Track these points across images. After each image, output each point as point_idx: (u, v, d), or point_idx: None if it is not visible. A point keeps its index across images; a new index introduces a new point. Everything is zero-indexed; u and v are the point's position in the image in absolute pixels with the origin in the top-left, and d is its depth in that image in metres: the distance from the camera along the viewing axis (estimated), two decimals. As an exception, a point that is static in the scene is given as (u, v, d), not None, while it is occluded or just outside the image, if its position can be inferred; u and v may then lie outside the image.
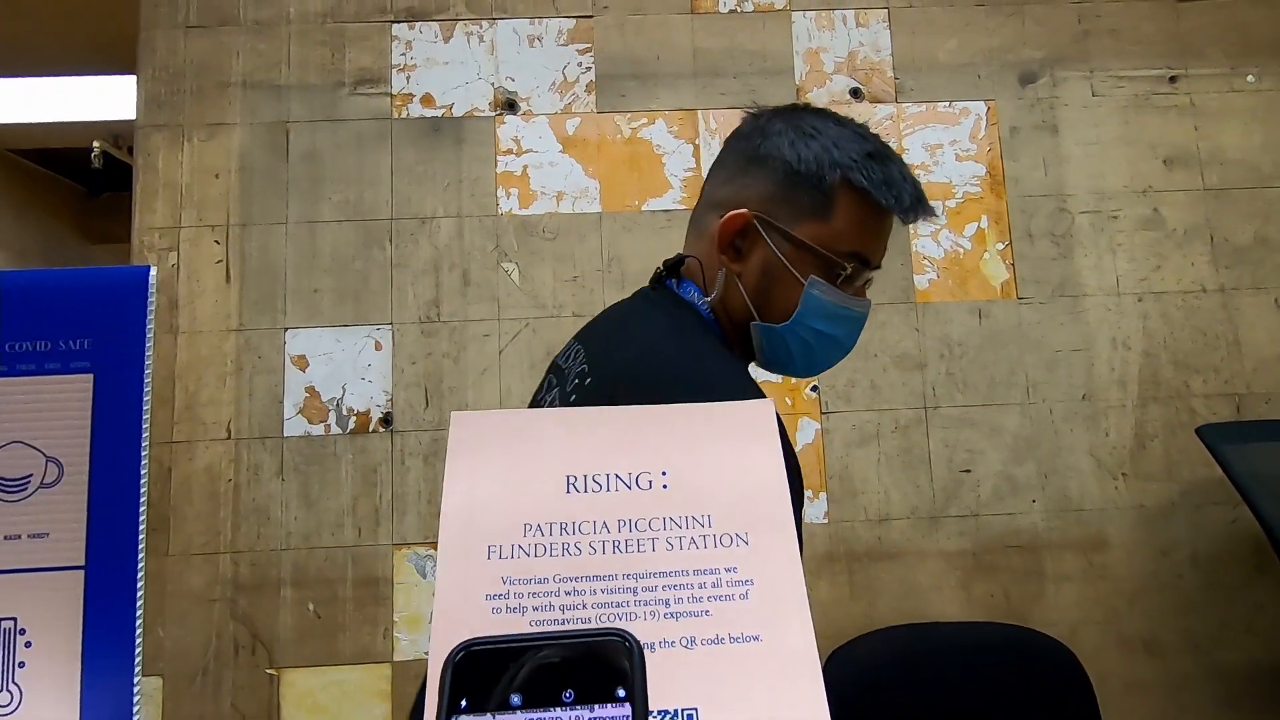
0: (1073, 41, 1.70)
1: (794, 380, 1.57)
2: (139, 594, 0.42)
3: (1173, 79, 1.69)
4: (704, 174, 1.63)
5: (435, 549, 1.52)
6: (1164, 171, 1.67)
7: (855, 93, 1.67)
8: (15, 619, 0.38)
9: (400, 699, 1.47)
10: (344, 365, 1.56)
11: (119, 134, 2.98)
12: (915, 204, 0.74)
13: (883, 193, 0.72)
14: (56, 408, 0.39)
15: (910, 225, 0.78)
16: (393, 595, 1.49)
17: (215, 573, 1.48)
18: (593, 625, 0.54)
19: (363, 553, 1.51)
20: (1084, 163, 1.66)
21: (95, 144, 2.82)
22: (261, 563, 1.49)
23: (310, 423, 1.54)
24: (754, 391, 0.69)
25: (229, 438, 1.52)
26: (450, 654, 0.37)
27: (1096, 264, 1.63)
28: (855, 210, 0.73)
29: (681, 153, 1.64)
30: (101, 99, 2.86)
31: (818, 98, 1.66)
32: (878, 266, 0.77)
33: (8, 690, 0.37)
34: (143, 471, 0.42)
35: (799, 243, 0.73)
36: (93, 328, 0.40)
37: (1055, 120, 1.67)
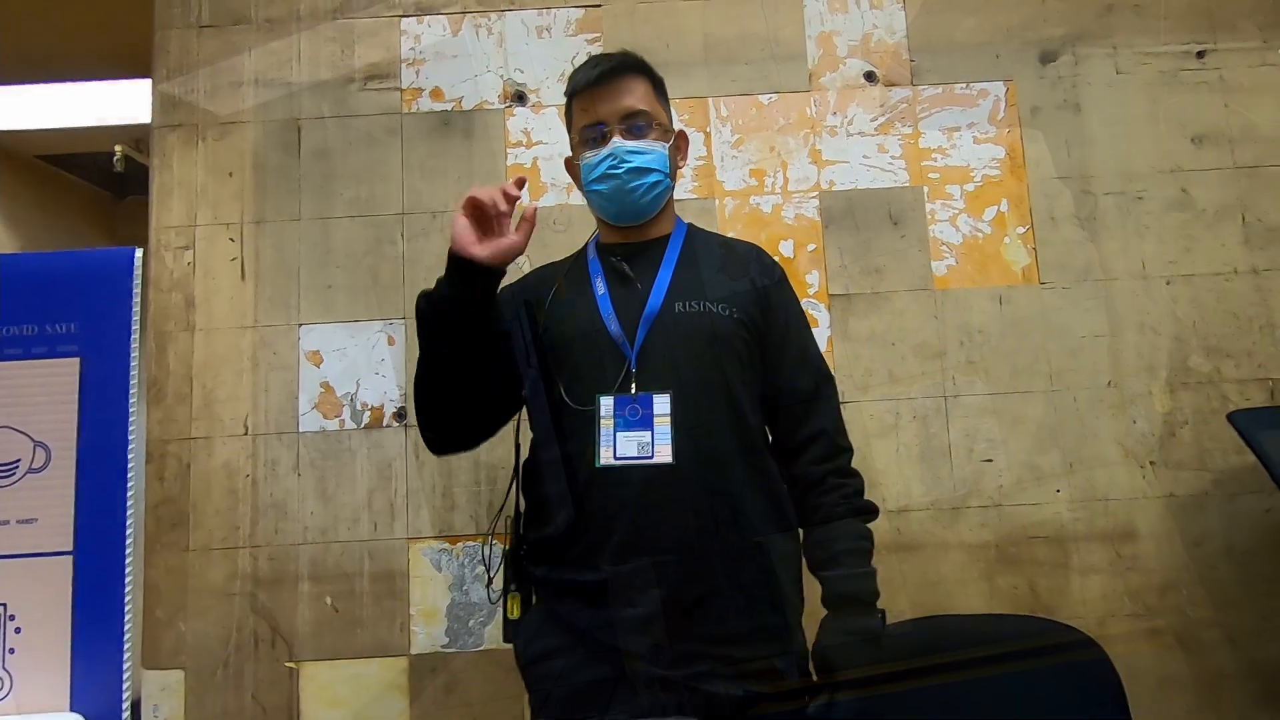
0: (1095, 17, 1.64)
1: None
2: (128, 580, 0.41)
3: (1201, 54, 1.63)
4: (715, 161, 1.62)
5: (449, 543, 1.52)
6: (1193, 150, 1.61)
7: (870, 76, 1.63)
8: (5, 605, 0.37)
9: (417, 692, 1.47)
10: (357, 360, 1.56)
11: (140, 138, 3.02)
12: (577, 73, 1.11)
13: (571, 88, 1.12)
14: (44, 392, 0.39)
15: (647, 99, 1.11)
16: (409, 589, 1.50)
17: (235, 567, 1.50)
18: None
19: (379, 547, 1.51)
20: (1108, 143, 1.61)
21: (117, 148, 2.86)
22: (280, 557, 1.50)
23: (325, 418, 1.55)
24: (528, 281, 1.20)
25: (246, 434, 1.53)
26: None
27: (1123, 247, 1.59)
28: (570, 107, 1.14)
29: (692, 140, 1.62)
30: (122, 103, 2.90)
31: (831, 82, 1.63)
32: (599, 122, 1.09)
33: (-2, 677, 0.37)
34: (130, 456, 0.42)
35: (573, 146, 1.15)
36: (80, 311, 0.40)
37: (1078, 99, 1.62)
